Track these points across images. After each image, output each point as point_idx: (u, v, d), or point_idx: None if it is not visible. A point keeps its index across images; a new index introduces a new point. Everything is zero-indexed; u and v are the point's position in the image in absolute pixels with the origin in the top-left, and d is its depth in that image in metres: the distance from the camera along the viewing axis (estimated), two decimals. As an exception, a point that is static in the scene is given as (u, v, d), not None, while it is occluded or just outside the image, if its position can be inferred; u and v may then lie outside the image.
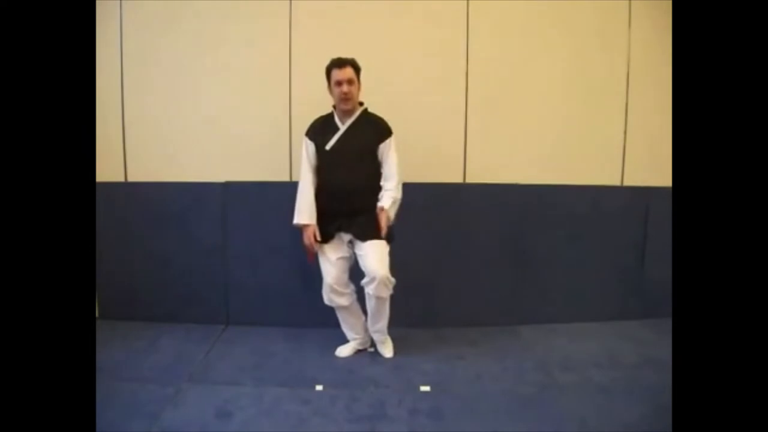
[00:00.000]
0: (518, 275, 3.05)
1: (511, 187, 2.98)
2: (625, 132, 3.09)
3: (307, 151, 2.47)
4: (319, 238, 2.43)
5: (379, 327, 2.56)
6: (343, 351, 2.64)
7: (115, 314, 2.96)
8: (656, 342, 2.79)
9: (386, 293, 2.44)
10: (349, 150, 2.41)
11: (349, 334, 2.64)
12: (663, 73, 2.97)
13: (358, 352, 2.65)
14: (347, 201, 2.40)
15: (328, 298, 2.52)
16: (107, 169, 2.87)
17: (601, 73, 3.05)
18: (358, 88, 2.42)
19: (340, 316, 2.60)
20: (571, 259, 3.07)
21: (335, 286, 2.48)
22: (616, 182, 3.12)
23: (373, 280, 2.38)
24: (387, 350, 2.62)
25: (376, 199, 2.44)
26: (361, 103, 2.46)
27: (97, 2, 2.37)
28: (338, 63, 2.38)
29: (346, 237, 2.46)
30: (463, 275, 2.94)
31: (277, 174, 2.94)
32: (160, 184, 2.93)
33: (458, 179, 2.99)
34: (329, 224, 2.44)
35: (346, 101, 2.37)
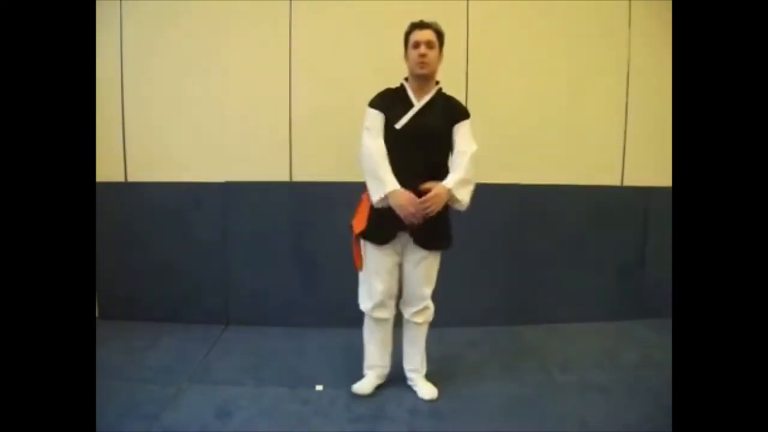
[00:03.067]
0: (518, 275, 3.05)
1: (511, 187, 2.98)
2: (625, 132, 3.10)
3: (373, 123, 2.06)
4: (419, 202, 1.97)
5: (416, 362, 2.26)
6: (364, 387, 2.24)
7: (115, 314, 2.96)
8: (656, 342, 2.79)
9: (429, 319, 2.22)
10: (423, 130, 2.04)
11: (373, 359, 2.26)
12: (663, 73, 2.97)
13: (356, 348, 2.44)
14: (414, 193, 1.99)
15: (370, 309, 2.17)
16: (107, 169, 2.87)
17: (601, 73, 3.05)
18: (439, 57, 2.09)
19: (375, 334, 2.23)
20: (571, 259, 3.07)
21: (385, 300, 2.15)
22: (616, 182, 3.12)
23: (419, 303, 2.15)
24: (429, 391, 2.21)
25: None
26: (437, 81, 2.13)
27: (97, 2, 2.37)
28: (419, 24, 2.09)
29: (404, 239, 2.10)
30: (463, 275, 2.94)
31: (277, 174, 2.94)
32: (160, 184, 2.93)
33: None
34: (391, 223, 2.03)
35: (422, 65, 2.03)
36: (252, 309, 3.01)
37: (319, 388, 2.27)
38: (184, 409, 2.09)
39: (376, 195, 2.01)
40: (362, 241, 2.15)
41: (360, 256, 2.16)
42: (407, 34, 2.11)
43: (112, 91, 2.90)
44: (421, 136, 2.04)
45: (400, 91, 2.12)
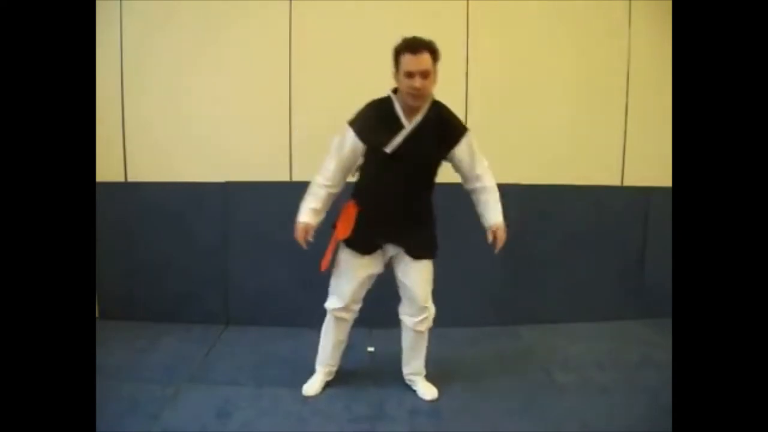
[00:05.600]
0: (518, 275, 3.05)
1: (511, 187, 2.97)
2: (625, 132, 3.10)
3: (342, 146, 1.96)
4: (310, 239, 2.04)
5: (417, 365, 2.24)
6: (312, 388, 2.24)
7: (115, 314, 2.96)
8: (656, 342, 2.79)
9: (429, 326, 2.19)
10: (415, 155, 1.93)
11: (326, 357, 2.26)
12: (663, 73, 2.97)
13: (356, 348, 2.52)
14: (404, 210, 2.00)
15: (333, 308, 2.18)
16: (107, 169, 2.87)
17: (601, 73, 3.05)
18: (434, 81, 1.90)
19: (331, 333, 2.23)
20: (571, 259, 3.07)
21: (350, 304, 2.14)
22: (616, 182, 3.12)
23: (422, 312, 2.12)
24: (429, 391, 2.22)
25: (430, 204, 2.09)
26: None
27: (97, 2, 2.36)
28: (412, 47, 1.84)
29: (393, 251, 2.08)
30: (463, 275, 2.93)
31: (277, 174, 2.94)
32: (160, 184, 2.93)
33: (458, 179, 2.99)
34: (377, 234, 2.04)
35: (416, 98, 1.87)
36: (252, 309, 3.01)
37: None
38: (184, 409, 2.09)
39: (299, 216, 2.04)
40: (342, 247, 2.10)
41: (329, 259, 2.08)
42: (398, 54, 1.89)
43: (112, 91, 2.89)
44: (411, 162, 1.94)
45: (387, 108, 1.94)
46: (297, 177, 2.96)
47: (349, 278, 2.10)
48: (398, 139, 1.92)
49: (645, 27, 3.02)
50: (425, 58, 1.84)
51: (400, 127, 1.93)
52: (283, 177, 2.95)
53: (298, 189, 2.93)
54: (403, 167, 1.94)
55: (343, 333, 2.25)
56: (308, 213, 2.02)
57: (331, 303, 2.18)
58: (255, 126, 2.94)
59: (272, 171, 2.94)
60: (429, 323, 2.19)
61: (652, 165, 3.07)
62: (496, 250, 2.07)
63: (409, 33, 2.87)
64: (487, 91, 2.98)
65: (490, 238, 2.06)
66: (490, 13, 2.93)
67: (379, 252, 2.08)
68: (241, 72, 2.92)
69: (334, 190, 2.05)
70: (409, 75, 1.85)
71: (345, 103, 2.76)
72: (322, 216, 2.06)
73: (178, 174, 2.94)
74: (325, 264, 2.09)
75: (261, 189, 2.93)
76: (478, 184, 2.06)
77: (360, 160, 2.02)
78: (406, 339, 2.24)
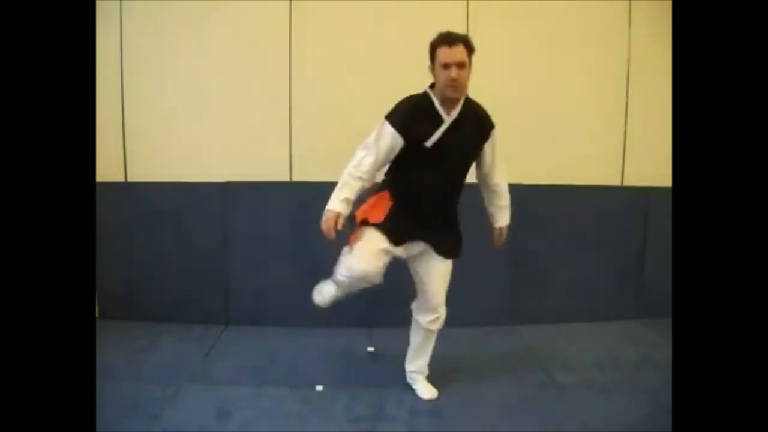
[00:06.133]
0: (518, 275, 3.05)
1: (511, 187, 2.97)
2: (625, 132, 3.10)
3: (380, 139, 1.94)
4: (340, 228, 1.94)
5: (421, 364, 2.24)
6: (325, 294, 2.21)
7: (115, 314, 2.96)
8: (656, 342, 2.79)
9: (441, 326, 2.19)
10: (454, 147, 1.96)
11: (334, 289, 2.17)
12: (663, 73, 2.97)
13: (356, 348, 2.60)
14: (438, 208, 2.03)
15: (341, 280, 2.06)
16: (107, 169, 2.87)
17: (601, 73, 3.05)
18: (469, 73, 1.94)
19: (344, 287, 2.12)
20: (571, 260, 3.07)
21: (362, 282, 2.02)
22: (616, 182, 3.12)
23: (436, 311, 2.13)
24: (428, 391, 2.22)
25: (458, 204, 2.10)
26: None
27: (97, 2, 2.37)
28: (448, 39, 1.89)
29: (418, 248, 2.07)
30: (463, 275, 2.93)
31: (277, 174, 2.94)
32: (160, 184, 2.93)
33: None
34: (409, 229, 2.01)
35: (453, 89, 1.90)
36: (252, 309, 3.00)
37: (319, 388, 2.27)
38: (184, 409, 2.09)
39: (329, 204, 1.96)
40: (369, 229, 2.00)
41: (358, 237, 2.01)
42: (434, 47, 1.92)
43: (112, 91, 2.89)
44: (453, 154, 1.97)
45: (426, 103, 1.97)
46: (297, 177, 2.96)
47: (371, 257, 1.97)
48: (439, 132, 1.94)
49: (645, 27, 3.02)
50: (460, 49, 1.89)
51: (440, 121, 1.95)
52: (283, 177, 2.95)
53: (298, 189, 2.96)
54: (441, 163, 1.96)
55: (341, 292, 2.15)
56: (341, 203, 1.94)
57: (346, 275, 2.02)
58: (255, 126, 2.94)
59: (272, 171, 2.94)
60: (441, 323, 2.18)
61: (652, 165, 3.07)
62: (495, 246, 2.21)
63: (409, 33, 2.90)
64: (486, 91, 2.97)
65: (495, 236, 2.19)
66: (490, 13, 2.93)
67: (408, 246, 2.04)
68: (241, 72, 2.92)
69: (368, 185, 2.02)
70: (446, 66, 1.88)
71: (345, 103, 2.78)
72: (350, 208, 1.99)
73: (178, 174, 2.93)
74: (353, 241, 2.03)
75: (261, 189, 2.93)
76: (495, 182, 2.12)
77: (394, 155, 1.99)
78: (416, 337, 2.23)
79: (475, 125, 2.01)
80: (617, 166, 3.11)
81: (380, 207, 2.03)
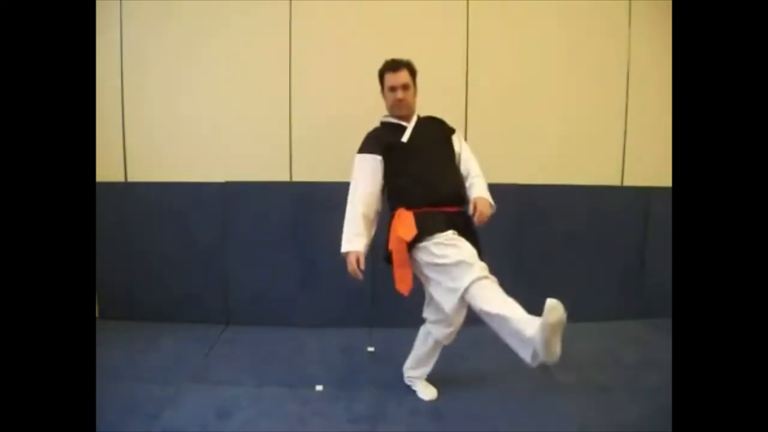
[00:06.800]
0: (518, 275, 3.04)
1: (511, 187, 2.98)
2: (625, 132, 3.10)
3: (361, 171, 2.09)
4: (362, 266, 2.01)
5: (424, 371, 2.25)
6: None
7: (115, 314, 2.96)
8: (656, 342, 2.79)
9: (452, 339, 2.14)
10: (426, 142, 2.12)
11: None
12: (663, 73, 2.98)
13: (356, 348, 2.61)
14: (441, 190, 2.04)
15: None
16: (107, 169, 2.87)
17: (601, 73, 3.05)
18: (414, 93, 2.18)
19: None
20: (571, 260, 3.07)
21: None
22: (616, 182, 3.12)
23: (450, 327, 2.07)
24: (428, 392, 2.23)
25: (464, 201, 2.11)
26: None
27: (97, 2, 2.37)
28: (392, 66, 2.14)
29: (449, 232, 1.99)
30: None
31: (277, 174, 2.95)
32: (160, 184, 2.93)
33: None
34: (439, 223, 1.99)
35: (400, 107, 2.14)
36: (252, 309, 3.01)
37: (319, 388, 2.27)
38: (184, 409, 2.09)
39: (342, 248, 2.03)
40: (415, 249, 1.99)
41: (406, 279, 2.01)
42: (381, 75, 2.17)
43: (112, 91, 2.90)
44: (426, 143, 2.13)
45: (384, 125, 2.21)
46: (297, 177, 2.96)
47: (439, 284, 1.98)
48: (408, 131, 2.14)
49: (645, 27, 3.02)
50: (404, 73, 2.14)
51: (403, 128, 2.16)
52: (283, 177, 2.95)
53: (298, 189, 2.96)
54: (421, 151, 2.10)
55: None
56: (352, 240, 2.03)
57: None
58: (255, 126, 2.94)
59: (272, 171, 2.94)
60: (454, 336, 2.14)
61: (652, 165, 3.07)
62: (476, 221, 2.03)
63: (410, 33, 2.91)
64: (487, 92, 2.98)
65: (470, 208, 2.05)
66: (490, 13, 2.93)
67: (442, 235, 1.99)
68: (241, 72, 2.92)
69: (370, 213, 2.07)
70: (392, 89, 2.14)
71: (345, 104, 2.78)
72: (367, 241, 2.05)
73: (178, 174, 2.94)
74: (406, 287, 2.03)
75: (261, 189, 2.94)
76: (469, 173, 2.19)
77: (381, 178, 2.10)
78: (424, 347, 2.20)
79: (436, 128, 2.22)
80: (617, 166, 3.11)
81: (403, 223, 2.02)
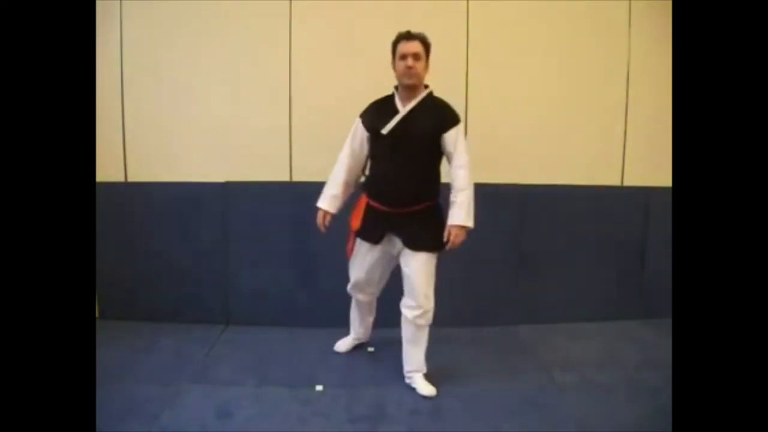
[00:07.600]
0: (518, 275, 3.05)
1: (511, 187, 2.98)
2: (625, 132, 3.09)
3: (354, 135, 2.26)
4: (327, 223, 2.30)
5: (416, 361, 2.27)
6: (342, 345, 2.64)
7: (115, 314, 2.96)
8: (656, 342, 2.79)
9: (429, 321, 2.24)
10: (409, 136, 2.13)
11: (354, 325, 2.62)
12: (663, 73, 2.97)
13: (356, 348, 2.66)
14: (401, 196, 2.15)
15: (350, 289, 2.48)
16: (107, 169, 2.87)
17: (601, 73, 3.05)
18: (425, 67, 2.18)
19: (355, 311, 2.59)
20: (571, 259, 3.07)
21: (364, 286, 2.42)
22: (616, 182, 3.12)
23: (421, 306, 2.18)
24: (427, 388, 2.24)
25: (433, 198, 2.21)
26: (426, 86, 2.22)
27: (97, 2, 2.36)
28: (406, 35, 2.16)
29: (397, 242, 2.21)
30: (463, 275, 2.93)
31: (277, 174, 2.94)
32: (160, 184, 2.93)
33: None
34: (378, 225, 2.21)
35: (409, 75, 2.13)
36: (252, 309, 3.00)
37: (319, 388, 2.27)
38: (184, 409, 2.09)
39: (318, 201, 2.31)
40: (354, 237, 2.34)
41: (350, 247, 2.37)
42: (394, 45, 2.19)
43: (112, 91, 2.89)
44: (407, 141, 2.14)
45: (388, 99, 2.24)
46: (297, 177, 2.96)
47: (360, 263, 2.34)
48: (394, 121, 2.15)
49: (645, 27, 3.02)
50: (416, 43, 2.15)
51: (395, 111, 2.17)
52: (283, 177, 2.95)
53: (298, 189, 2.96)
54: (399, 150, 2.14)
55: (361, 310, 2.56)
56: (326, 199, 2.30)
57: (349, 286, 2.46)
58: (255, 126, 2.94)
59: (272, 171, 2.94)
60: (428, 319, 2.23)
61: (652, 165, 3.07)
62: (447, 248, 2.15)
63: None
64: (487, 91, 2.98)
65: (445, 235, 2.13)
66: (490, 13, 2.93)
67: (386, 241, 2.23)
68: (241, 72, 2.92)
69: (350, 179, 2.31)
70: (403, 57, 2.14)
71: (345, 103, 2.76)
72: (339, 203, 2.31)
73: (178, 174, 2.93)
74: (348, 252, 2.39)
75: (261, 189, 2.93)
76: (453, 178, 2.17)
77: (367, 150, 2.26)
78: (406, 332, 2.28)
79: (434, 116, 2.17)
80: (617, 166, 3.11)
81: (358, 210, 2.28)
